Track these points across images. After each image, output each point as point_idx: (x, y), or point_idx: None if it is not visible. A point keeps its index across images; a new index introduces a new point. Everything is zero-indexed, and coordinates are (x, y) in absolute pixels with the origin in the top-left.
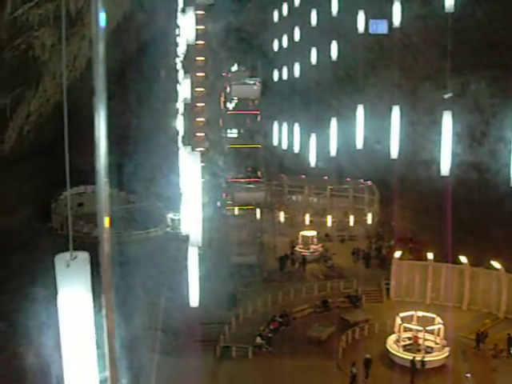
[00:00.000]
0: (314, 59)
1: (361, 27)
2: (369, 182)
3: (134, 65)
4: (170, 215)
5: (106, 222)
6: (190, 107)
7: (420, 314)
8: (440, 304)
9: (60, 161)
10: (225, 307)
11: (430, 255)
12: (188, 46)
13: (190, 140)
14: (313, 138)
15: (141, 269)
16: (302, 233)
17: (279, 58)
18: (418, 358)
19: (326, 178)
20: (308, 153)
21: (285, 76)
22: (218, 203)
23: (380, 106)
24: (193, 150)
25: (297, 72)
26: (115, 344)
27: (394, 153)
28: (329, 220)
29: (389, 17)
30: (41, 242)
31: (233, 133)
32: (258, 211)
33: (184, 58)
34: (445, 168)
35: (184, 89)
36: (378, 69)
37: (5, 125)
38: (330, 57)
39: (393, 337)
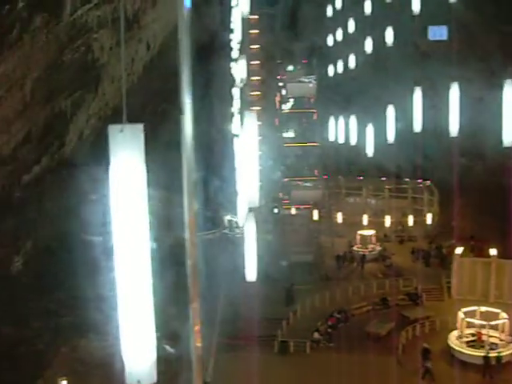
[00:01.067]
0: (368, 48)
1: (416, 8)
2: (428, 182)
3: (195, 68)
4: (228, 217)
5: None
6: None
7: (483, 309)
8: (504, 302)
9: None
10: (282, 304)
11: (493, 251)
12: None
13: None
14: (369, 127)
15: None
16: (359, 232)
17: (334, 52)
18: (493, 353)
19: (384, 178)
20: (365, 145)
21: (340, 70)
22: (276, 209)
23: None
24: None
25: (352, 63)
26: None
27: (454, 131)
28: (387, 220)
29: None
30: None
31: (289, 132)
32: (315, 212)
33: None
34: (508, 138)
35: (240, 69)
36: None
37: (66, 128)
38: (384, 43)
39: (455, 333)
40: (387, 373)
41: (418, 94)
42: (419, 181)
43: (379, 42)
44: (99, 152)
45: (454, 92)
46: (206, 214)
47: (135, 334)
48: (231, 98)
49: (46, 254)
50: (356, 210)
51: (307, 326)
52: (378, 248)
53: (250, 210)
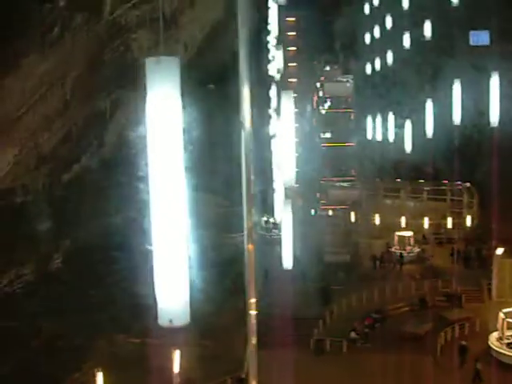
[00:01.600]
0: (407, 43)
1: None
2: (467, 184)
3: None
4: (264, 218)
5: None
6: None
7: None
8: None
9: None
10: (319, 303)
11: None
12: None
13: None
14: (408, 124)
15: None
16: (397, 233)
17: (372, 50)
18: None
19: (421, 180)
20: (403, 142)
21: (377, 67)
22: (313, 210)
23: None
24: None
25: (390, 60)
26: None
27: (495, 120)
28: (425, 222)
29: None
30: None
31: (326, 133)
32: (352, 214)
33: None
34: None
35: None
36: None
37: (105, 127)
38: (423, 37)
39: (495, 334)
40: (424, 373)
41: (457, 87)
42: (458, 183)
43: (417, 36)
44: (137, 154)
45: (495, 82)
46: (242, 215)
47: (169, 274)
48: (269, 99)
49: (85, 253)
50: (394, 212)
51: (344, 326)
52: (417, 249)
53: (287, 195)
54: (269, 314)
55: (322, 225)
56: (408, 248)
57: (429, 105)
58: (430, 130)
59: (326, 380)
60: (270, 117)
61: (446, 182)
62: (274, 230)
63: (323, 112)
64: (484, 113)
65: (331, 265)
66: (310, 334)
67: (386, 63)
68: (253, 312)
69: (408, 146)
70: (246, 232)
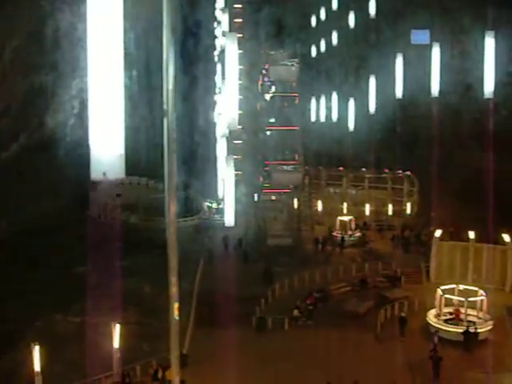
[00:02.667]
0: (351, 22)
1: None
2: (408, 172)
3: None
4: (207, 203)
5: (173, 210)
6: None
7: (462, 287)
8: (482, 286)
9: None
10: (261, 283)
11: (472, 235)
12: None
13: None
14: (351, 102)
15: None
16: (339, 218)
17: (317, 32)
18: (472, 329)
19: (363, 169)
20: (346, 121)
21: (323, 48)
22: (256, 197)
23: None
24: None
25: (334, 41)
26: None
27: (435, 89)
28: (367, 209)
29: None
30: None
31: (270, 117)
32: (295, 200)
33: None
34: (488, 89)
35: None
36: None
37: (46, 106)
38: (368, 15)
39: (433, 311)
40: (365, 349)
41: (399, 61)
42: (399, 171)
43: (362, 15)
44: (79, 135)
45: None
46: (185, 201)
47: (103, 126)
48: (214, 85)
49: (23, 235)
50: (336, 199)
51: (286, 305)
52: (358, 234)
53: (229, 141)
54: (212, 293)
55: (264, 210)
56: (349, 232)
57: (372, 81)
58: (372, 106)
59: (267, 353)
60: (215, 103)
61: (387, 170)
62: (216, 215)
63: (268, 97)
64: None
65: (274, 248)
66: (252, 312)
67: (330, 45)
68: (174, 289)
69: (351, 124)
70: (168, 217)
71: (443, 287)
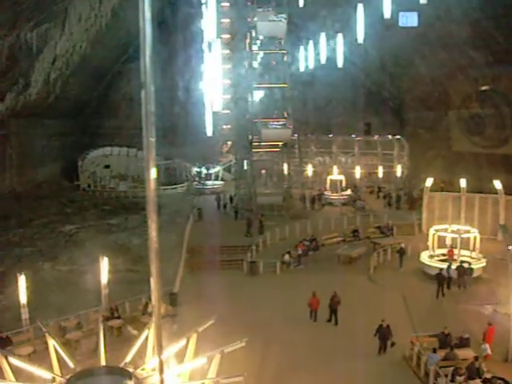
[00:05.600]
0: None
1: None
2: (398, 136)
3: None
4: (195, 169)
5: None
6: None
7: (454, 226)
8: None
9: (85, 121)
10: (252, 235)
11: (463, 183)
12: None
13: None
14: (339, 36)
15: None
16: (329, 177)
17: None
18: (465, 264)
19: (353, 135)
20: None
21: None
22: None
23: None
24: None
25: None
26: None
27: None
28: (357, 171)
29: None
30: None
31: (261, 75)
32: (285, 166)
33: None
34: None
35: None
36: None
37: (31, 65)
38: None
39: (426, 252)
40: (359, 287)
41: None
42: (389, 136)
43: None
44: (64, 103)
45: None
46: (175, 170)
47: None
48: (202, 52)
49: (11, 197)
50: (326, 165)
51: (277, 253)
52: (349, 192)
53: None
54: (201, 245)
55: (254, 168)
56: (340, 192)
57: (359, 8)
58: (361, 35)
59: (258, 293)
60: (202, 73)
61: (377, 136)
62: (206, 182)
63: (256, 54)
64: None
65: (264, 206)
66: (243, 259)
67: None
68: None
69: (340, 62)
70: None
71: (436, 227)
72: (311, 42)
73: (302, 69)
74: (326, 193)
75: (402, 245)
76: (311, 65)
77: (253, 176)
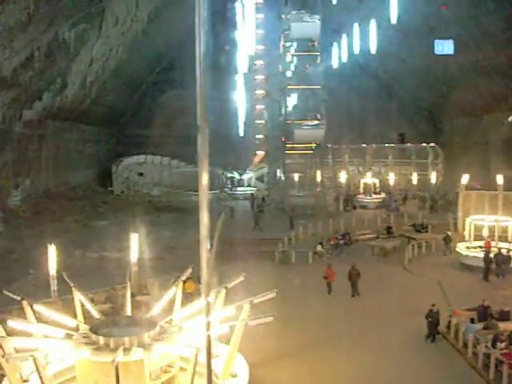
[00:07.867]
0: None
1: None
2: (432, 144)
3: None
4: (228, 174)
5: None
6: None
7: (492, 217)
8: None
9: (120, 130)
10: (284, 229)
11: (500, 179)
12: None
13: None
14: (372, 22)
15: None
16: (363, 180)
17: None
18: (504, 251)
19: (386, 145)
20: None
21: None
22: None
23: None
24: None
25: None
26: None
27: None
28: (391, 178)
29: None
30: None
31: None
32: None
33: None
34: None
35: None
36: None
37: (69, 65)
38: None
39: (463, 244)
40: (395, 276)
41: None
42: (423, 144)
43: None
44: (99, 109)
45: None
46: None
47: None
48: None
49: (45, 196)
50: (359, 174)
51: (309, 245)
52: (382, 195)
53: None
54: (233, 238)
55: (288, 170)
56: (373, 195)
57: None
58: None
59: (290, 280)
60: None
61: (410, 144)
62: (238, 188)
63: (289, 56)
64: None
65: (297, 206)
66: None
67: None
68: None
69: (373, 48)
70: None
71: (473, 216)
72: (344, 36)
73: (335, 65)
74: (359, 196)
75: (449, 232)
76: (344, 58)
77: (286, 177)
